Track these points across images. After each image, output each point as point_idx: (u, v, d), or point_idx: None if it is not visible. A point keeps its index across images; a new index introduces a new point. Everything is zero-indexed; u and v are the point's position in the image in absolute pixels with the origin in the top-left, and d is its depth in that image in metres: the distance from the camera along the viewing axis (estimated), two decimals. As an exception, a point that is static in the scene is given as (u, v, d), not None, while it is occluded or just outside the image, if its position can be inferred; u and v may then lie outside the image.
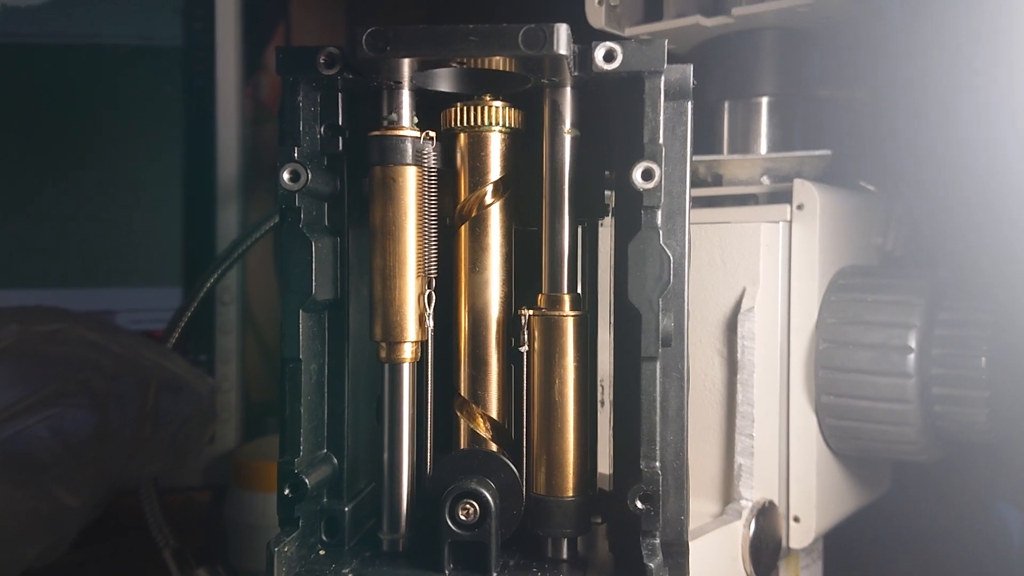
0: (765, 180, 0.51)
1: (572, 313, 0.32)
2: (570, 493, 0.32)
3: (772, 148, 0.54)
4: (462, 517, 0.30)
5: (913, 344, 0.44)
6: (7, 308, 0.53)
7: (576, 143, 0.32)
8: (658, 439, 0.30)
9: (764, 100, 0.54)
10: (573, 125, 0.32)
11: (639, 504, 0.29)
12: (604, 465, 0.35)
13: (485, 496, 0.30)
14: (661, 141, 0.30)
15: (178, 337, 0.61)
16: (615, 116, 0.32)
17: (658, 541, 0.29)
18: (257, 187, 0.84)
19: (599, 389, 0.36)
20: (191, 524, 0.73)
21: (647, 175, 0.29)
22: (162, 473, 0.58)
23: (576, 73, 0.30)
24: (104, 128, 0.78)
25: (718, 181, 0.52)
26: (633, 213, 0.30)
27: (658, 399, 0.30)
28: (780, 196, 0.48)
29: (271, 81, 0.90)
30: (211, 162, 0.78)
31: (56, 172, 0.78)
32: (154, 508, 0.56)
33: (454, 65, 0.30)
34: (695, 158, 0.53)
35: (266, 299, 0.84)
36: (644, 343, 0.30)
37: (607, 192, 0.34)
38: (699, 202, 0.51)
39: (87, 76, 0.78)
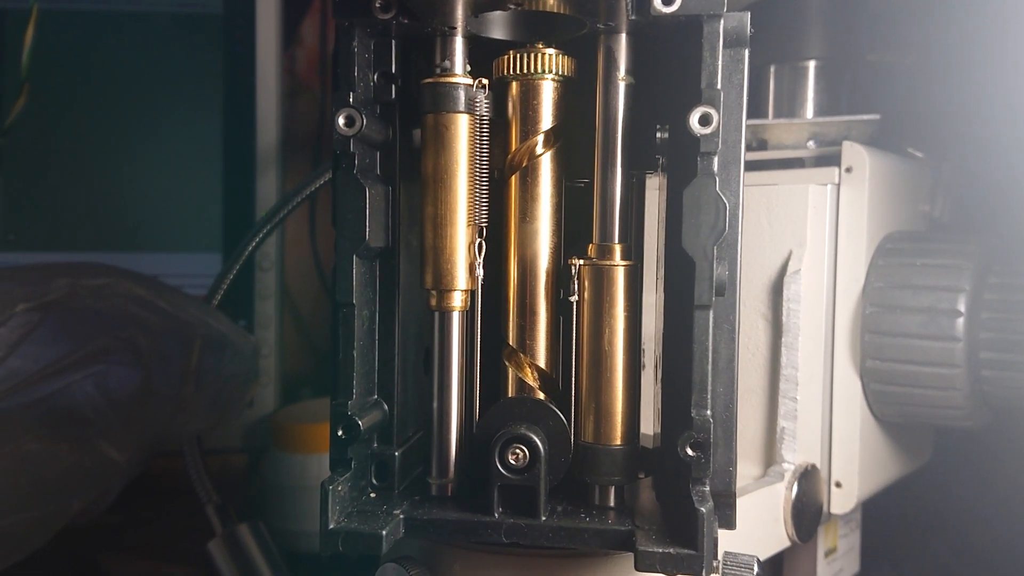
0: (811, 145, 0.51)
1: (623, 263, 0.32)
2: (618, 441, 0.32)
3: (819, 113, 0.53)
4: (511, 461, 0.30)
5: (962, 308, 0.43)
6: (57, 263, 0.54)
7: (630, 91, 0.32)
8: (709, 389, 0.30)
9: (811, 64, 0.53)
10: (628, 72, 0.32)
11: (689, 451, 0.29)
12: (645, 426, 0.35)
13: (535, 441, 0.30)
14: (719, 86, 0.29)
15: (219, 302, 0.61)
16: (670, 65, 0.32)
17: (708, 489, 0.29)
18: (294, 158, 0.84)
19: (641, 351, 0.36)
20: (229, 486, 0.74)
21: (705, 120, 0.29)
22: (204, 432, 0.59)
23: (633, 17, 0.30)
24: (145, 94, 0.79)
25: (763, 146, 0.52)
26: (689, 160, 0.30)
27: (710, 349, 0.30)
28: (828, 159, 0.47)
29: (307, 54, 0.90)
30: (250, 129, 0.79)
31: (99, 138, 0.79)
32: (197, 465, 0.57)
33: (510, 7, 0.29)
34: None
35: (302, 271, 0.85)
36: (698, 291, 0.30)
37: (657, 156, 0.34)
38: (745, 166, 0.50)
39: (128, 43, 0.79)
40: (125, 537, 0.73)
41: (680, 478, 0.30)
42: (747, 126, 0.51)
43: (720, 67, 0.29)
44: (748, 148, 0.52)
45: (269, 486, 0.68)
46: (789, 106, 0.54)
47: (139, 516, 0.74)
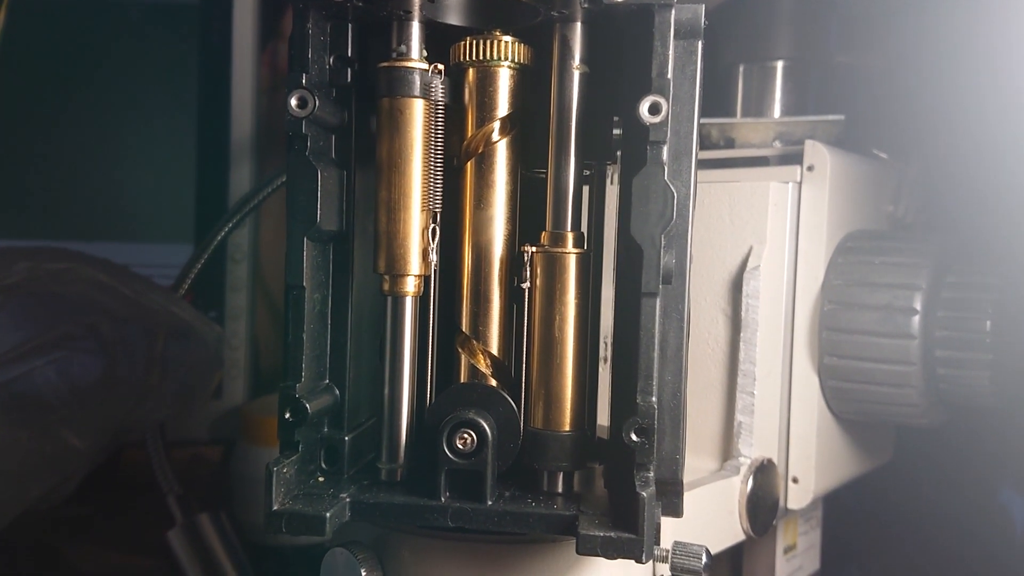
0: (777, 144, 0.51)
1: (575, 251, 0.32)
2: (567, 427, 0.32)
3: (785, 112, 0.53)
4: (459, 446, 0.31)
5: (918, 306, 0.43)
6: (17, 247, 0.53)
7: (585, 80, 0.32)
8: (655, 376, 0.30)
9: (779, 64, 0.54)
10: (582, 61, 0.32)
11: (633, 437, 0.29)
12: (603, 418, 0.35)
13: (482, 426, 0.30)
14: (670, 76, 0.29)
15: (189, 293, 0.61)
16: (624, 56, 0.32)
17: (652, 475, 0.29)
18: (271, 151, 0.84)
19: (602, 345, 0.36)
20: (197, 478, 0.74)
21: (654, 109, 0.29)
22: (168, 420, 0.59)
23: (586, 5, 0.30)
24: (120, 83, 0.79)
25: (730, 144, 0.52)
26: (639, 150, 0.30)
27: (657, 337, 0.30)
28: (791, 157, 0.48)
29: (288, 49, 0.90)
30: (225, 120, 0.79)
31: (71, 125, 0.78)
32: (160, 454, 0.57)
33: (464, -8, 0.30)
34: (707, 121, 0.53)
35: (278, 264, 0.84)
36: (645, 279, 0.30)
37: (615, 136, 0.34)
38: (710, 164, 0.51)
39: (103, 31, 0.79)
40: (92, 528, 0.72)
41: (626, 465, 0.30)
42: (715, 124, 0.52)
43: (671, 57, 0.30)
44: (716, 146, 0.52)
45: (237, 478, 0.68)
46: (757, 105, 0.54)
47: (108, 508, 0.74)
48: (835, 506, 0.57)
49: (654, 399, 0.30)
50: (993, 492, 0.65)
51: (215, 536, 0.55)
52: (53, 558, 0.68)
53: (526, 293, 0.33)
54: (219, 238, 0.61)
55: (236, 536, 0.57)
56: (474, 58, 0.33)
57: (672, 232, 0.30)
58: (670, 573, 0.34)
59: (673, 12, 0.30)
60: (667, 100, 0.29)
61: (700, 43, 0.31)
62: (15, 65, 0.76)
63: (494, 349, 0.34)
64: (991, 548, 0.62)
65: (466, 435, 0.31)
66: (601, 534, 0.28)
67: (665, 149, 0.30)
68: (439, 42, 0.33)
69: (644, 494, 0.28)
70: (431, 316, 0.35)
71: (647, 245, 0.30)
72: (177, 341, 0.56)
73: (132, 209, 0.79)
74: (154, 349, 0.55)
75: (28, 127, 0.78)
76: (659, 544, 0.31)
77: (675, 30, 0.30)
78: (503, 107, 0.33)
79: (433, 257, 0.33)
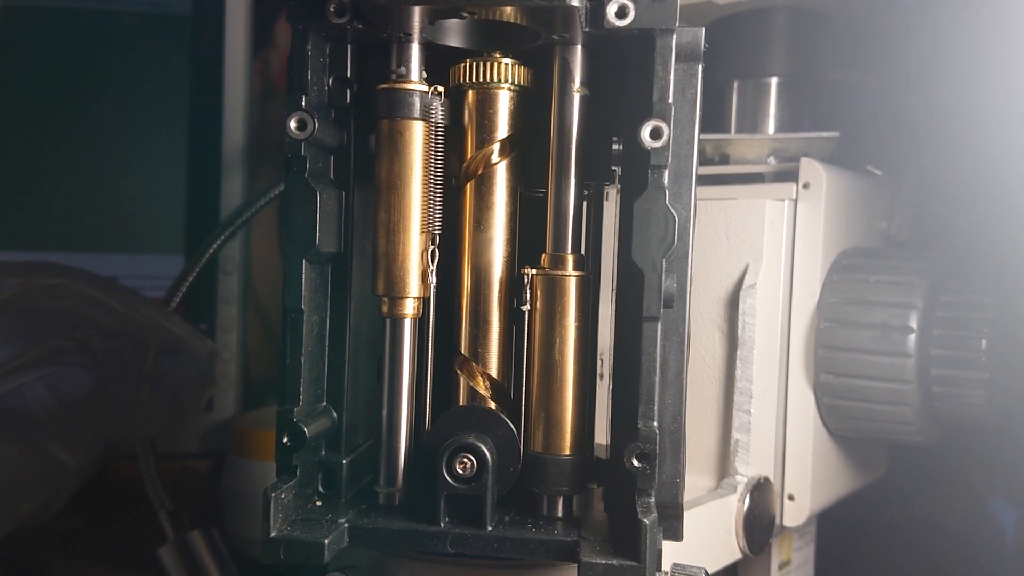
0: (772, 160, 0.51)
1: (575, 273, 0.32)
2: (567, 451, 0.32)
3: (780, 129, 0.53)
4: (459, 471, 0.30)
5: (914, 324, 0.44)
6: (8, 262, 0.53)
7: (585, 103, 0.32)
8: (656, 401, 0.30)
9: (774, 81, 0.54)
10: (583, 84, 0.32)
11: (635, 462, 0.29)
12: (601, 437, 0.35)
13: (482, 450, 0.30)
14: (671, 100, 0.29)
15: (180, 305, 0.61)
16: (625, 79, 0.32)
17: (653, 500, 0.29)
18: (263, 161, 0.84)
19: (599, 362, 0.36)
20: (188, 492, 0.73)
21: (655, 134, 0.29)
22: (159, 435, 0.58)
23: (587, 29, 0.30)
24: (111, 94, 0.78)
25: (725, 160, 0.52)
26: (640, 173, 0.30)
27: (658, 361, 0.30)
28: (786, 175, 0.48)
29: (280, 57, 0.90)
30: (217, 132, 0.78)
31: (61, 136, 0.77)
32: (151, 470, 0.56)
33: (465, 15, 0.30)
34: (702, 137, 0.53)
35: (270, 275, 0.84)
36: (646, 303, 0.30)
37: (613, 167, 0.34)
38: (705, 180, 0.50)
39: (95, 41, 0.78)
40: (81, 542, 0.72)
41: (626, 489, 0.30)
42: (710, 140, 0.52)
43: (672, 81, 0.30)
44: (710, 162, 0.52)
45: (229, 492, 0.68)
46: (751, 122, 0.54)
47: (98, 521, 0.73)
48: (829, 521, 0.57)
49: (655, 424, 0.30)
50: (983, 503, 0.65)
51: (207, 553, 0.55)
52: (43, 574, 0.67)
53: (526, 315, 0.33)
54: (211, 252, 0.60)
55: (228, 552, 0.56)
56: (474, 80, 0.33)
57: (673, 256, 0.30)
58: (669, 596, 0.34)
59: (675, 36, 0.30)
60: (668, 125, 0.29)
61: (700, 66, 0.31)
62: (4, 76, 0.76)
63: (493, 371, 0.34)
64: (981, 559, 0.62)
65: (466, 459, 0.30)
66: (603, 561, 0.28)
67: (666, 173, 0.30)
68: (439, 64, 0.33)
69: (646, 521, 0.28)
70: (429, 338, 0.34)
71: (648, 269, 0.30)
72: (168, 356, 0.56)
73: (123, 220, 0.78)
74: (145, 364, 0.55)
75: (18, 138, 0.77)
76: (659, 568, 0.31)
77: (676, 53, 0.30)
78: (503, 129, 0.33)
79: (432, 279, 0.33)
